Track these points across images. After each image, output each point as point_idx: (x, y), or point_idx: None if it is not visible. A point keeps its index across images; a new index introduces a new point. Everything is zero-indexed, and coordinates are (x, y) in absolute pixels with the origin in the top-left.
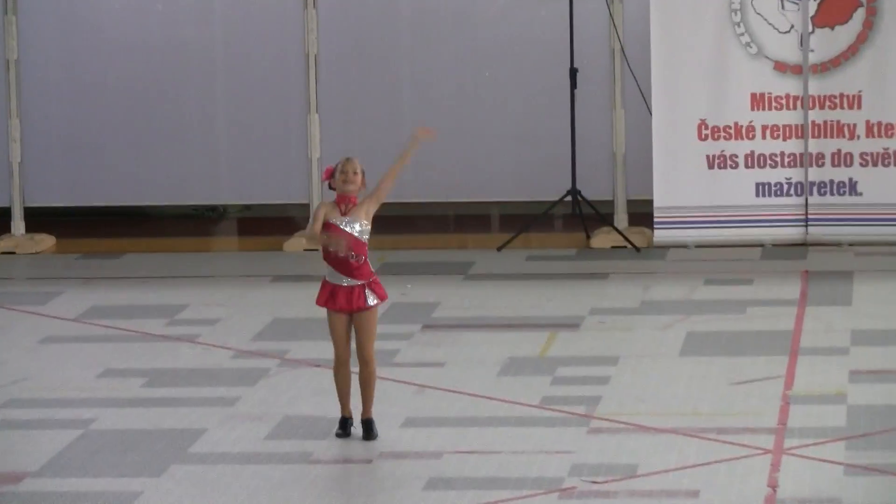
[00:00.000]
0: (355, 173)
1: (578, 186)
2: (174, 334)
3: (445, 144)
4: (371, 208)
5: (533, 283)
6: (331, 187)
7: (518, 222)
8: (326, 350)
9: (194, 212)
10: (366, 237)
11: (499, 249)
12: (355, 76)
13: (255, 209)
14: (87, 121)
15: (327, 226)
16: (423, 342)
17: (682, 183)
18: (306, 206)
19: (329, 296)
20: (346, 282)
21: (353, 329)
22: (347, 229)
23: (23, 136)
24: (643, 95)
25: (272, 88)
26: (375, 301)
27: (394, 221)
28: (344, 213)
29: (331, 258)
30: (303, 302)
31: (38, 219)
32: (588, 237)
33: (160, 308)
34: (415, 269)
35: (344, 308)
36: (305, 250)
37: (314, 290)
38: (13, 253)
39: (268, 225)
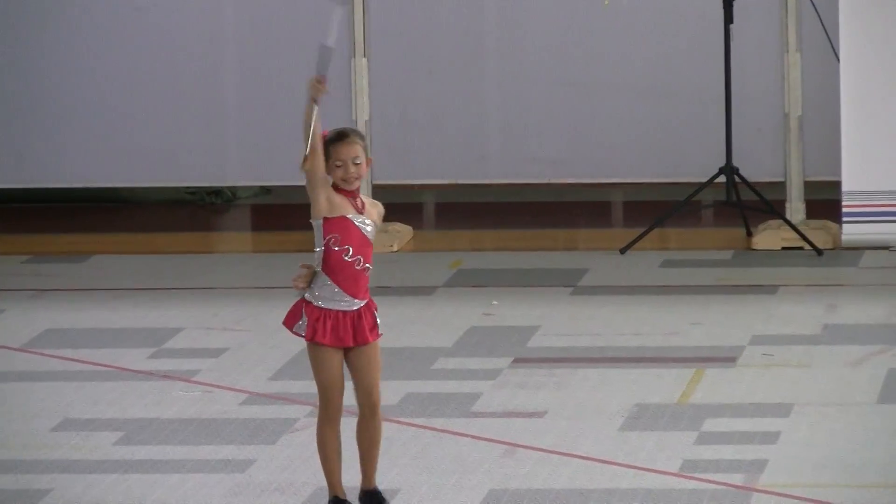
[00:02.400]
0: (357, 163)
1: (736, 163)
2: (161, 370)
3: (545, 103)
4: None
5: (671, 298)
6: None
7: (650, 213)
8: None
9: (190, 196)
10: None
11: (622, 251)
12: (420, 4)
13: (276, 193)
14: (36, 71)
15: (339, 221)
16: (514, 382)
17: (881, 159)
18: None
19: (322, 325)
20: (353, 304)
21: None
22: (365, 230)
23: None
24: (827, 34)
25: (301, 22)
26: (374, 337)
27: (474, 210)
28: (360, 211)
29: (339, 269)
30: None
31: None
32: (749, 234)
33: (142, 333)
34: (504, 279)
35: (348, 343)
36: None
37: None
38: None
39: (293, 215)
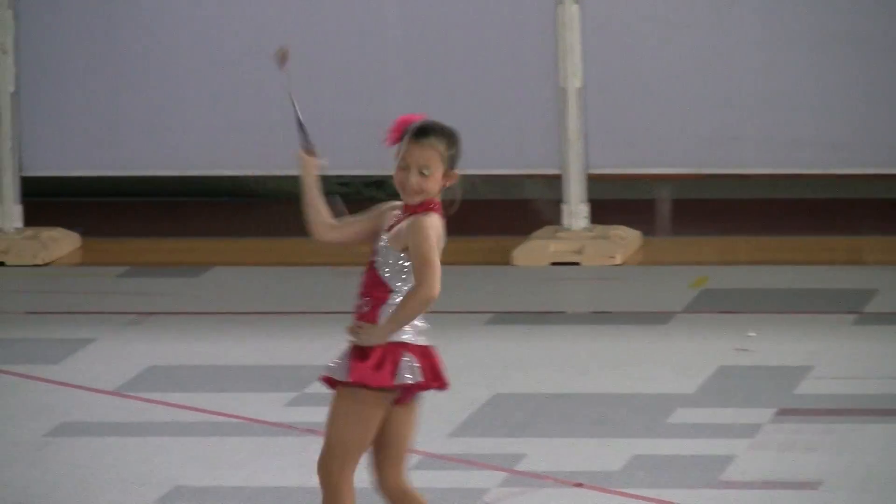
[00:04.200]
0: (425, 174)
1: None
2: (304, 422)
3: (822, 66)
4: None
5: None
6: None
7: None
8: (576, 455)
9: (343, 189)
10: (393, 274)
11: None
12: None
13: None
14: (138, 30)
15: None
16: (778, 442)
17: None
18: (555, 180)
19: None
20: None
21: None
22: (379, 256)
23: (20, 65)
24: None
25: None
26: (361, 377)
27: (724, 209)
28: (389, 228)
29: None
30: (548, 360)
31: (48, 200)
32: None
33: (278, 372)
34: (764, 303)
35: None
36: (554, 264)
37: (560, 336)
38: (1, 264)
39: (485, 213)
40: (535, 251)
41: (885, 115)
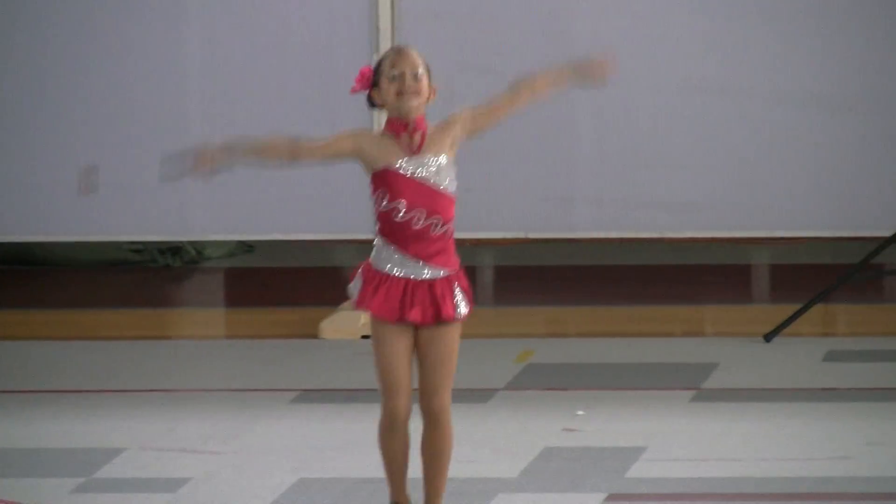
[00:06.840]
0: (417, 77)
1: None
2: None
3: (660, 122)
4: (462, 133)
5: (837, 407)
6: (372, 104)
7: (808, 282)
8: None
9: (136, 256)
10: (454, 187)
11: (767, 338)
12: None
13: (262, 251)
14: None
15: (382, 174)
16: None
17: None
18: (367, 245)
19: (386, 296)
20: (426, 272)
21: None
22: (424, 175)
23: None
24: None
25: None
26: (466, 309)
27: (553, 277)
28: (414, 151)
29: (392, 232)
30: (356, 442)
31: None
32: None
33: (64, 456)
34: (594, 379)
35: (418, 319)
36: (365, 337)
37: (369, 416)
38: None
39: (285, 283)
40: (344, 323)
41: (729, 173)
